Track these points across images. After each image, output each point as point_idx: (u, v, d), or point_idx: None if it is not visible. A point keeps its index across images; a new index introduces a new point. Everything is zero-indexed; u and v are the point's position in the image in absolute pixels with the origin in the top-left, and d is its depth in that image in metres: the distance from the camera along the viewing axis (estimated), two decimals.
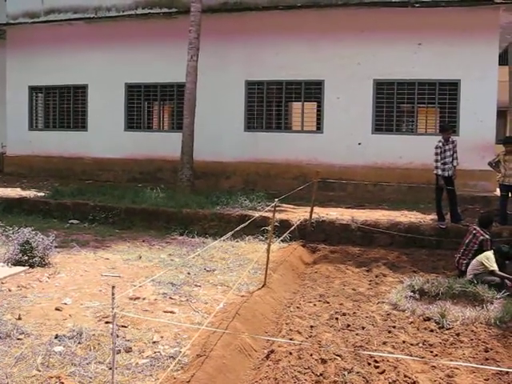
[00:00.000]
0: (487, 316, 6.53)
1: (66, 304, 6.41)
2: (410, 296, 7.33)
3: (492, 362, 5.40)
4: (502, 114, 23.04)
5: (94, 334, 5.41)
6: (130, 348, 5.19)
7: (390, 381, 4.88)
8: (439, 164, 10.93)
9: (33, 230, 8.34)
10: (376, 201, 13.74)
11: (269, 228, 8.04)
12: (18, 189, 14.71)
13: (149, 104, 17.99)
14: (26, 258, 7.99)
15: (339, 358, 5.28)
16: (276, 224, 9.74)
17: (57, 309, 6.20)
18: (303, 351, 5.34)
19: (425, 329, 6.34)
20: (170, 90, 16.82)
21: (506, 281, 7.83)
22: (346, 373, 4.98)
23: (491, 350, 5.70)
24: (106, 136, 17.22)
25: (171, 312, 6.32)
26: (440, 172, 10.96)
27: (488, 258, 7.93)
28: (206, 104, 15.24)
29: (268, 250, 7.63)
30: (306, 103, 16.02)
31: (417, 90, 14.72)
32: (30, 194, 13.78)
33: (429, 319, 6.57)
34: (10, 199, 13.27)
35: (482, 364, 5.32)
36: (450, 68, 14.33)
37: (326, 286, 8.08)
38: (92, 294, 6.90)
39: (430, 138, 13.28)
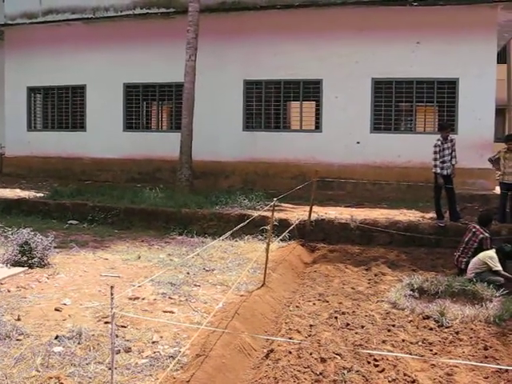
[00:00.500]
0: (486, 314, 6.54)
1: (65, 304, 6.41)
2: (410, 294, 7.34)
3: (491, 360, 5.40)
4: (500, 112, 23.07)
5: (93, 335, 5.41)
6: (130, 348, 5.19)
7: (390, 379, 4.88)
8: (438, 162, 10.94)
9: (32, 231, 8.34)
10: (375, 200, 13.75)
11: (268, 227, 8.04)
12: (17, 189, 14.69)
13: (147, 104, 17.99)
14: (25, 258, 7.98)
15: (339, 357, 5.28)
16: (275, 223, 9.74)
17: (56, 309, 6.20)
18: (303, 350, 5.34)
19: (424, 327, 6.34)
20: (169, 90, 16.82)
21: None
22: (345, 372, 4.98)
23: (490, 348, 5.70)
24: (104, 136, 17.21)
25: (170, 312, 6.32)
26: (439, 170, 10.97)
27: (492, 258, 7.92)
28: (204, 104, 15.24)
29: (267, 250, 7.62)
30: (304, 102, 16.02)
31: (415, 88, 14.73)
32: (29, 194, 13.76)
33: (428, 318, 6.58)
34: (9, 200, 13.26)
35: (481, 362, 5.32)
36: (449, 66, 14.34)
37: (325, 285, 8.08)
38: (91, 294, 6.90)
39: (428, 137, 13.28)
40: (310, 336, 5.88)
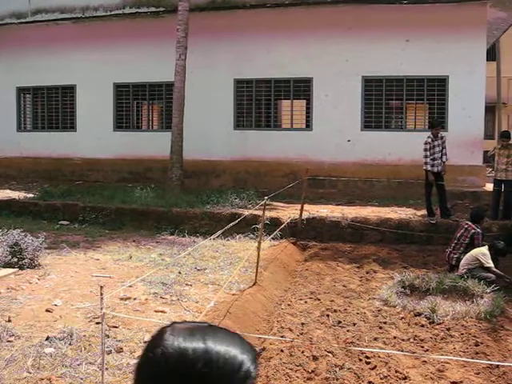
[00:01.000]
0: (477, 310, 6.57)
1: (56, 305, 6.38)
2: (401, 292, 7.36)
3: (482, 356, 5.43)
4: (490, 109, 23.17)
5: (84, 335, 5.40)
6: (121, 348, 5.18)
7: (382, 376, 4.90)
8: (428, 160, 10.99)
9: (22, 232, 8.30)
10: (366, 197, 13.77)
11: (259, 226, 8.04)
12: (7, 190, 14.62)
13: (137, 104, 17.93)
14: (16, 259, 7.94)
15: (330, 355, 5.30)
16: (266, 222, 9.74)
17: (47, 310, 6.17)
18: (294, 348, 5.35)
19: (415, 324, 6.36)
20: (159, 89, 16.78)
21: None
22: (337, 369, 5.00)
23: (481, 344, 5.73)
24: (94, 136, 17.14)
25: (162, 311, 6.31)
26: (429, 168, 11.01)
27: (484, 255, 7.98)
28: (195, 103, 15.22)
29: (258, 248, 7.63)
30: (295, 101, 16.04)
31: (405, 86, 14.75)
32: (19, 195, 13.69)
33: (419, 314, 6.60)
34: None
35: (472, 358, 5.35)
36: (438, 64, 14.36)
37: (316, 283, 8.09)
38: (82, 294, 6.87)
39: (419, 134, 13.31)
40: (301, 334, 5.90)
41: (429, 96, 14.72)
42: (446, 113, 14.53)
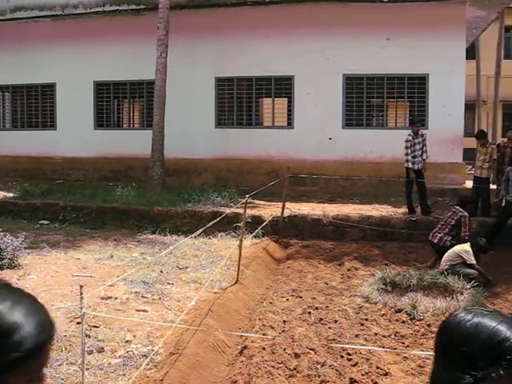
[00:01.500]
0: (457, 306, 6.61)
1: None
2: (382, 288, 7.40)
3: None
4: (470, 107, 23.39)
5: (65, 335, 5.35)
6: (103, 348, 5.15)
7: (363, 373, 4.92)
8: (409, 157, 11.07)
9: (1, 232, 8.20)
10: (347, 195, 13.83)
11: (241, 224, 8.04)
12: None
13: (118, 102, 17.84)
14: None
15: (312, 352, 5.31)
16: (248, 220, 9.76)
17: None
18: (276, 346, 5.35)
19: (396, 320, 6.41)
20: (140, 87, 16.69)
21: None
22: (319, 366, 5.01)
23: None
24: (75, 135, 17.00)
25: (144, 311, 6.28)
26: (410, 165, 11.09)
27: (467, 252, 8.09)
28: (176, 101, 15.15)
29: (240, 247, 7.63)
30: (276, 99, 16.05)
31: (386, 84, 14.84)
32: None
33: (400, 311, 6.65)
34: None
35: None
36: (419, 62, 14.47)
37: (298, 280, 8.11)
38: (63, 294, 6.82)
39: (399, 132, 13.40)
40: (283, 332, 5.90)
41: (409, 94, 14.82)
42: (426, 111, 14.64)
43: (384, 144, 14.49)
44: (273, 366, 4.95)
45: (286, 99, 16.36)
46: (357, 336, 5.84)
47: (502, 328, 1.30)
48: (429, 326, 6.18)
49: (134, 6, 16.01)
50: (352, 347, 5.35)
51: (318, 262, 9.16)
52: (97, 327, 5.67)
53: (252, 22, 15.36)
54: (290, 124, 15.74)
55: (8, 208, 12.57)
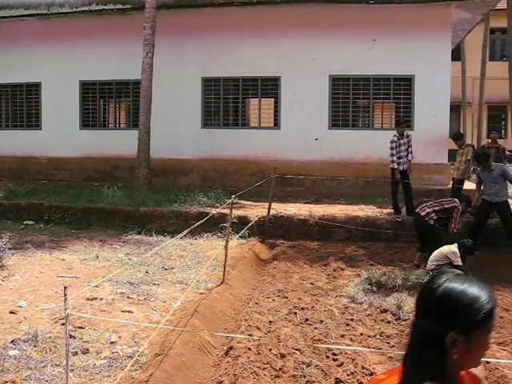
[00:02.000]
0: None
1: (20, 307, 6.28)
2: (368, 289, 7.44)
3: None
4: (455, 108, 23.58)
5: (49, 337, 5.31)
6: (87, 349, 5.12)
7: (348, 373, 4.94)
8: (395, 158, 11.14)
9: None
10: (333, 195, 13.87)
11: (227, 225, 8.03)
12: None
13: (104, 102, 17.75)
14: None
15: (298, 352, 5.32)
16: (234, 220, 9.75)
17: (11, 312, 6.06)
18: (262, 347, 5.35)
19: (382, 320, 6.44)
20: (126, 87, 16.63)
21: None
22: (304, 366, 5.02)
23: None
24: (60, 135, 16.89)
25: (129, 311, 6.25)
26: (396, 166, 11.16)
27: (454, 253, 8.15)
28: (162, 101, 15.12)
29: (226, 247, 7.62)
30: (262, 99, 16.06)
31: (372, 85, 14.91)
32: None
33: (386, 311, 6.68)
34: None
35: None
36: (405, 64, 14.55)
37: (284, 281, 8.12)
38: (48, 295, 6.77)
39: (385, 133, 13.46)
40: (269, 332, 5.91)
41: (395, 95, 14.89)
42: (412, 112, 14.72)
43: (370, 145, 14.55)
44: (258, 367, 4.95)
45: (273, 100, 16.38)
46: (342, 336, 5.86)
47: (473, 290, 1.66)
48: None
49: (120, 6, 15.94)
50: (337, 347, 5.36)
51: (303, 263, 9.18)
52: (82, 328, 5.64)
53: (239, 23, 15.36)
54: (276, 125, 15.76)
55: None
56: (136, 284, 7.32)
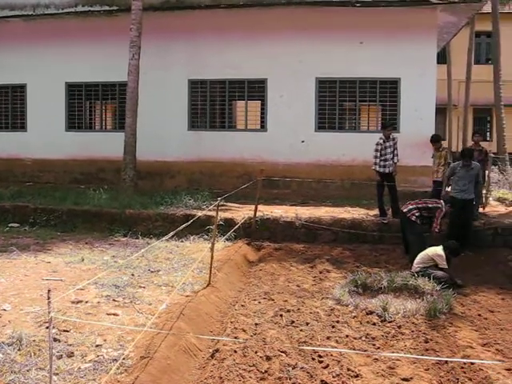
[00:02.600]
0: (427, 308, 6.72)
1: (5, 310, 6.23)
2: (353, 291, 7.47)
3: (432, 353, 5.55)
4: (441, 111, 23.73)
5: (34, 340, 5.28)
6: (72, 352, 5.09)
7: (334, 375, 4.95)
8: (378, 160, 11.23)
9: None
10: (320, 198, 13.90)
11: (213, 227, 8.02)
12: None
13: (90, 104, 17.65)
14: None
15: (284, 355, 5.33)
16: (221, 223, 9.74)
17: None
18: (248, 349, 5.36)
19: (367, 322, 6.46)
20: (112, 89, 16.56)
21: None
22: (290, 368, 5.03)
23: (431, 340, 5.86)
24: (46, 136, 16.79)
25: (115, 314, 6.23)
26: (377, 168, 11.23)
27: (440, 256, 8.23)
28: (148, 103, 15.07)
29: (212, 249, 7.61)
30: (249, 102, 16.05)
31: (358, 88, 14.97)
32: None
33: (371, 313, 6.71)
34: None
35: (422, 355, 5.47)
36: (391, 66, 14.63)
37: (270, 283, 8.13)
38: (32, 298, 6.73)
39: (372, 136, 13.51)
40: (255, 335, 5.91)
41: (381, 98, 14.96)
42: (398, 114, 14.80)
43: (356, 147, 14.59)
44: (244, 369, 4.95)
45: (259, 102, 16.38)
46: (328, 338, 5.88)
47: None
48: (399, 327, 6.25)
49: (106, 7, 15.86)
50: (323, 349, 5.38)
51: (290, 265, 9.20)
52: (67, 331, 5.61)
53: (225, 25, 15.35)
54: (263, 127, 15.77)
55: None
56: (122, 287, 7.30)
